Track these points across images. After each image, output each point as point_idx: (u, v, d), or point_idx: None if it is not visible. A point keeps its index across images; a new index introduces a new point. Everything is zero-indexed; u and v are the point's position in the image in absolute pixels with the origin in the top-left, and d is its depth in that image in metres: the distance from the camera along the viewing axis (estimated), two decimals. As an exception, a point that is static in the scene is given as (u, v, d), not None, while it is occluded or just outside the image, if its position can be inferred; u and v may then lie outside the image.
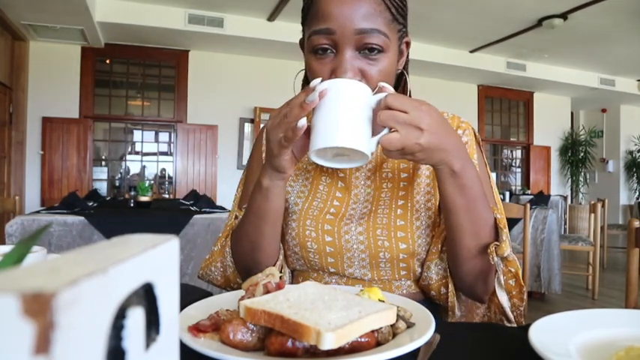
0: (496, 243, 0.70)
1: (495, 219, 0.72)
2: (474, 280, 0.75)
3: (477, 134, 0.86)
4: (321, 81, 0.65)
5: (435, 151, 0.63)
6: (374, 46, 0.71)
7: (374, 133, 0.64)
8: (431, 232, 0.81)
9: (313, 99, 0.62)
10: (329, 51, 0.72)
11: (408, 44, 0.83)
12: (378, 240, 0.78)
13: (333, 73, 0.71)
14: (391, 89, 0.65)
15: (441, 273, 0.79)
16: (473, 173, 0.68)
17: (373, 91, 0.67)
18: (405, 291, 0.81)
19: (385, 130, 0.63)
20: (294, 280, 0.90)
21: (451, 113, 0.88)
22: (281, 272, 0.86)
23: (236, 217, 0.87)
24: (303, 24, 0.79)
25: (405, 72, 0.85)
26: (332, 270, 0.83)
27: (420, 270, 0.81)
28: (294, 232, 0.83)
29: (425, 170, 0.83)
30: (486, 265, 0.74)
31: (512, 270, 0.72)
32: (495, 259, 0.70)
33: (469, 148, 0.82)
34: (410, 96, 0.92)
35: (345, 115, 0.63)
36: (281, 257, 0.84)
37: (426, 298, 0.83)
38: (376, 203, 0.82)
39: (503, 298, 0.73)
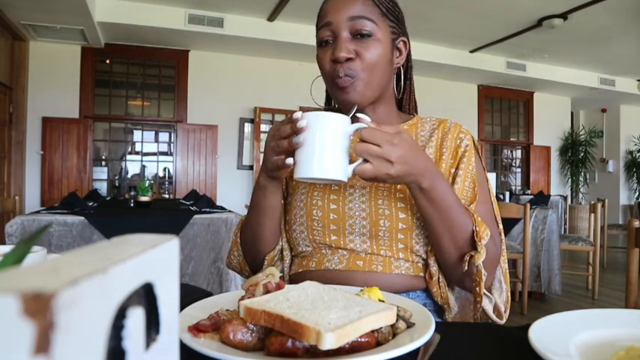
0: (471, 253, 0.76)
1: (473, 231, 0.77)
2: (460, 277, 0.81)
3: (475, 142, 0.92)
4: (303, 113, 0.73)
5: (404, 177, 0.71)
6: (364, 30, 0.83)
7: (352, 159, 0.73)
8: None
9: (297, 141, 0.71)
10: (330, 41, 0.85)
11: (405, 43, 0.92)
12: (379, 208, 0.84)
13: (332, 55, 0.83)
14: (367, 119, 0.71)
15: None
16: (443, 189, 0.75)
17: (349, 114, 0.75)
18: (404, 271, 0.83)
19: (360, 160, 0.70)
20: (292, 266, 0.93)
21: (453, 121, 0.94)
22: (282, 256, 0.93)
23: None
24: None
25: (402, 68, 0.94)
26: (334, 237, 0.86)
27: (417, 248, 0.84)
28: (302, 203, 0.90)
29: None
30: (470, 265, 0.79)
31: (477, 279, 0.78)
32: (466, 267, 0.76)
33: (468, 152, 0.88)
34: (414, 95, 1.00)
35: (322, 148, 0.71)
36: (280, 245, 0.92)
37: (426, 288, 0.86)
38: (379, 183, 0.88)
39: (484, 302, 0.80)
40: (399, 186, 0.85)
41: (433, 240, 0.80)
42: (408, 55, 0.94)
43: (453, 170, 0.88)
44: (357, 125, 0.71)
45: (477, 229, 0.77)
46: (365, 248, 0.85)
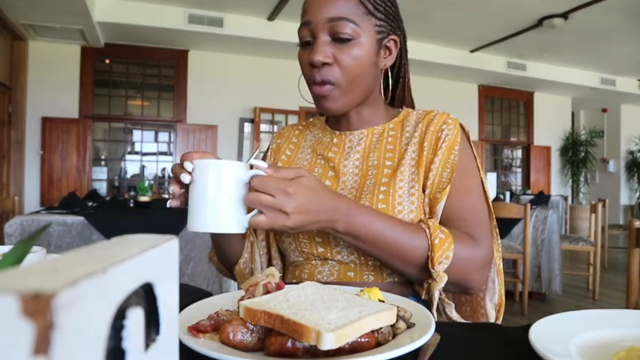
0: (428, 281, 0.73)
1: (428, 257, 0.71)
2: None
3: (465, 129, 0.86)
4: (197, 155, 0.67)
5: (306, 226, 0.66)
6: (343, 34, 0.77)
7: (249, 210, 0.67)
8: (415, 219, 0.80)
9: (174, 192, 0.66)
10: (310, 42, 0.81)
11: (395, 42, 0.86)
12: None
13: (309, 58, 0.79)
14: (263, 166, 0.65)
15: None
16: (366, 223, 0.69)
17: (249, 162, 0.68)
18: (396, 278, 0.81)
19: (255, 210, 0.65)
20: (287, 274, 0.90)
21: (441, 111, 0.88)
22: (272, 265, 0.92)
23: None
24: None
25: (390, 70, 0.88)
26: (321, 250, 0.83)
27: None
28: None
29: (410, 160, 0.83)
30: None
31: (438, 308, 0.76)
32: (423, 295, 0.74)
33: (447, 142, 0.81)
34: (410, 96, 0.95)
35: (214, 200, 0.64)
36: (244, 257, 0.90)
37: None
38: (361, 190, 0.84)
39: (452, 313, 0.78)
40: (380, 196, 0.80)
41: (390, 269, 0.77)
42: (402, 52, 0.89)
43: (431, 165, 0.82)
44: (252, 172, 0.65)
45: (432, 254, 0.71)
46: (353, 259, 0.81)
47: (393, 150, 0.86)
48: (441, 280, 0.70)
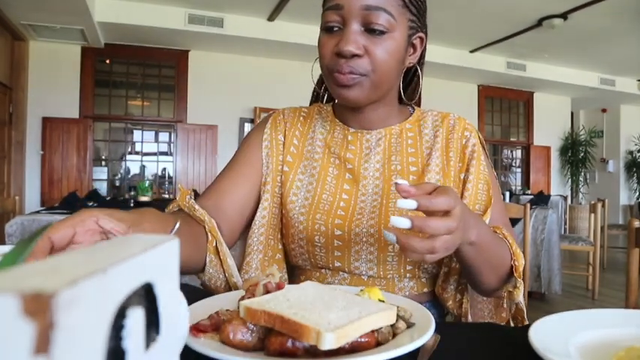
0: (509, 289, 0.72)
1: (512, 266, 0.72)
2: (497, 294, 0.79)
3: (480, 137, 0.86)
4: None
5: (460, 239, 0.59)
6: (378, 25, 0.71)
7: None
8: None
9: None
10: (336, 28, 0.74)
11: (422, 40, 0.83)
12: None
13: (337, 47, 0.72)
14: (406, 184, 0.52)
15: (459, 281, 0.80)
16: (484, 229, 0.66)
17: None
18: (407, 293, 0.79)
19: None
20: (296, 279, 0.88)
21: (457, 115, 0.87)
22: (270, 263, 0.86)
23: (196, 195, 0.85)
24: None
25: (418, 68, 0.85)
26: (337, 264, 0.79)
27: (426, 266, 0.79)
28: (302, 226, 0.80)
29: (434, 167, 0.82)
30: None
31: (519, 317, 0.76)
32: (505, 304, 0.73)
33: (476, 152, 0.82)
34: (419, 96, 0.91)
35: None
36: (211, 271, 0.78)
37: (429, 300, 0.82)
38: (386, 197, 0.79)
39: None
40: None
41: (471, 278, 0.73)
42: (423, 51, 0.84)
43: (462, 175, 0.81)
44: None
45: (516, 263, 0.70)
46: (371, 274, 0.78)
47: (415, 154, 0.83)
48: (522, 288, 0.71)
